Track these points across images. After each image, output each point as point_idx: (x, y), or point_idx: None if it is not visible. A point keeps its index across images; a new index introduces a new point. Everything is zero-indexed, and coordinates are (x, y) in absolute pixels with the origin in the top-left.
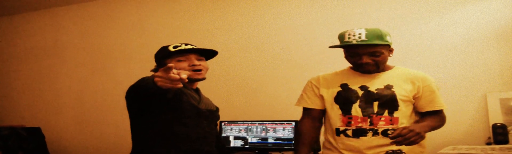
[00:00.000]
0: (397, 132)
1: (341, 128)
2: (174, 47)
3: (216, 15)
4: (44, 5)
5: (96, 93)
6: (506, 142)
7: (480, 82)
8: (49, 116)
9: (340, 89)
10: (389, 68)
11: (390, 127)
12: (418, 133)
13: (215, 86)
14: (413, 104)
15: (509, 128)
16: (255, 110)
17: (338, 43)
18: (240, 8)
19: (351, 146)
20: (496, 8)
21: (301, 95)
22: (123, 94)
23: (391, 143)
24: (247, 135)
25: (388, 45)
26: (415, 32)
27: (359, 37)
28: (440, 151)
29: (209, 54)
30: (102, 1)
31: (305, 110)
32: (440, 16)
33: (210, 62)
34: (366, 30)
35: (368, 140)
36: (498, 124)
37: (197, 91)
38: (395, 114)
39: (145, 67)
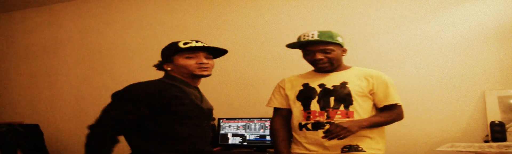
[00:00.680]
0: (327, 128)
1: (303, 123)
2: (184, 44)
3: (216, 13)
4: (43, 2)
5: (95, 90)
6: (504, 139)
7: (478, 80)
8: (48, 113)
9: (302, 88)
10: (346, 68)
11: (345, 120)
12: (344, 128)
13: (214, 84)
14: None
15: (507, 126)
16: (254, 107)
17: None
18: (240, 6)
19: (312, 138)
20: (495, 7)
21: (270, 96)
22: None
23: (322, 137)
24: (245, 132)
25: (340, 45)
26: (415, 31)
27: (312, 37)
28: (438, 149)
29: (217, 52)
30: None
31: (276, 110)
32: (438, 16)
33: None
34: (319, 31)
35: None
36: (496, 122)
37: (198, 88)
38: (351, 108)
39: (143, 64)
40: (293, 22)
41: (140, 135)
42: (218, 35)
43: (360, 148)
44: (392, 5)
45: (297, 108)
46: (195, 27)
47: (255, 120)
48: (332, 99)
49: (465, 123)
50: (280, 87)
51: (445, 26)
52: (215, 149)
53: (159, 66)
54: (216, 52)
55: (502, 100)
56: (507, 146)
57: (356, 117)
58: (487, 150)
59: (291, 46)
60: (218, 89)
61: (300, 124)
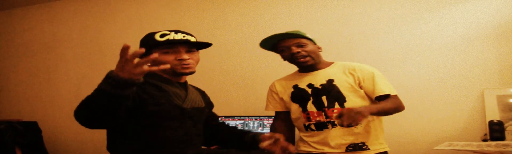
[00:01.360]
0: (340, 112)
1: (306, 124)
2: (161, 36)
3: (216, 11)
4: None
5: (94, 88)
6: (502, 138)
7: (477, 79)
8: (46, 111)
9: (293, 90)
10: (328, 64)
11: None
12: (358, 112)
13: (213, 81)
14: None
15: (505, 125)
16: (252, 105)
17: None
18: (240, 6)
19: (319, 138)
20: (494, 7)
21: (266, 101)
22: None
23: (338, 122)
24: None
25: (312, 41)
26: (414, 31)
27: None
28: (436, 148)
29: (202, 44)
30: None
31: (276, 113)
32: (437, 15)
33: (209, 57)
34: (287, 31)
35: (330, 131)
36: (495, 121)
37: (185, 85)
38: (346, 105)
39: None
40: (293, 22)
41: (116, 137)
42: (218, 33)
43: (365, 146)
44: (392, 5)
45: (296, 110)
46: (195, 26)
47: (253, 118)
48: (324, 98)
49: (464, 122)
50: (272, 92)
51: (445, 25)
52: (212, 147)
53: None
54: (200, 44)
55: (501, 99)
56: (506, 145)
57: None
58: (486, 149)
59: (264, 45)
60: (216, 87)
61: (304, 125)
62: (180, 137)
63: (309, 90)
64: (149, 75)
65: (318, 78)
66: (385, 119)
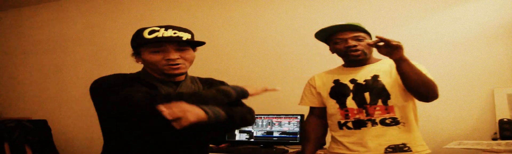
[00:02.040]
0: (380, 37)
1: (342, 121)
2: (150, 33)
3: (220, 10)
4: None
5: None
6: None
7: (487, 78)
8: (55, 109)
9: (333, 84)
10: (376, 60)
11: (387, 115)
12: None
13: (219, 79)
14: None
15: None
16: (261, 103)
17: None
18: (248, 4)
19: (355, 138)
20: (504, 5)
21: (302, 95)
22: None
23: (374, 43)
24: (252, 128)
25: (370, 36)
26: (422, 28)
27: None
28: (445, 146)
29: (194, 42)
30: None
31: (310, 108)
32: (446, 11)
33: (216, 56)
34: (346, 22)
35: (369, 130)
36: (505, 120)
37: (180, 85)
38: (389, 103)
39: None
40: (297, 18)
41: (105, 139)
42: (224, 31)
43: (406, 148)
44: (400, 3)
45: (332, 106)
46: (201, 24)
47: (262, 116)
48: (367, 94)
49: (474, 121)
50: (310, 86)
51: (454, 24)
52: (221, 145)
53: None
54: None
55: (511, 98)
56: None
57: (397, 112)
58: (495, 147)
59: (319, 35)
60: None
61: (339, 122)
62: (164, 141)
63: (351, 86)
64: (138, 74)
65: (363, 73)
66: None
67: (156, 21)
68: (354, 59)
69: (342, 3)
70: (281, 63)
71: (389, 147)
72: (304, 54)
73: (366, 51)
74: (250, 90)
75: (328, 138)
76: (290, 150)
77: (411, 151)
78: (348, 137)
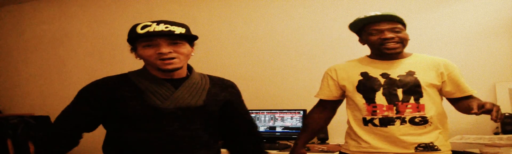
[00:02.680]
0: (481, 106)
1: (368, 118)
2: (142, 28)
3: (225, 4)
4: None
5: None
6: None
7: (489, 72)
8: (58, 105)
9: (361, 78)
10: (408, 55)
11: (417, 114)
12: (498, 106)
13: (223, 75)
14: (440, 91)
15: None
16: (264, 99)
17: (348, 31)
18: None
19: (381, 135)
20: None
21: (320, 87)
22: None
23: (492, 119)
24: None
25: (405, 27)
26: (424, 23)
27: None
28: (448, 141)
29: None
30: None
31: (320, 101)
32: (449, 6)
33: (218, 51)
34: (382, 12)
35: (397, 128)
36: (507, 114)
37: (179, 81)
38: (421, 101)
39: None
40: (302, 12)
41: (106, 138)
42: (227, 26)
43: (436, 147)
44: None
45: (358, 101)
46: (205, 18)
47: (264, 111)
48: (400, 91)
49: (476, 116)
50: (329, 77)
51: (456, 18)
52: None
53: (134, 50)
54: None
55: None
56: None
57: (427, 110)
58: (497, 142)
59: (353, 25)
60: None
61: (364, 119)
62: (159, 140)
63: (382, 80)
64: (140, 70)
65: (396, 68)
66: None
67: (158, 16)
68: (387, 53)
69: None
70: (283, 59)
71: (419, 145)
72: (306, 50)
73: (404, 43)
74: None
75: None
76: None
77: (440, 150)
78: (374, 135)
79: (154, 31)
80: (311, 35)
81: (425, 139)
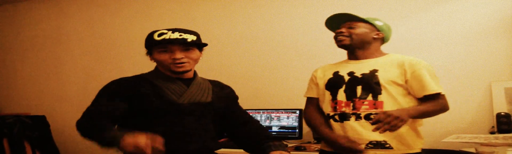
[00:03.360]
0: (376, 118)
1: (331, 114)
2: (159, 35)
3: (222, 3)
4: None
5: (101, 81)
6: (510, 131)
7: (485, 72)
8: (54, 104)
9: (332, 76)
10: (381, 55)
11: (373, 111)
12: (397, 117)
13: (220, 75)
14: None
15: None
16: (260, 98)
17: None
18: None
19: (339, 130)
20: None
21: (307, 86)
22: None
23: (373, 130)
24: None
25: (375, 27)
26: (420, 23)
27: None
28: (444, 140)
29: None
30: None
31: (308, 99)
32: (446, 5)
33: (216, 50)
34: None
35: (352, 124)
36: (502, 113)
37: (189, 81)
38: (379, 99)
39: None
40: (299, 12)
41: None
42: (224, 25)
43: (388, 145)
44: None
45: (326, 98)
46: (202, 17)
47: (261, 111)
48: (359, 88)
49: (471, 115)
50: (313, 76)
51: (451, 17)
52: (220, 140)
53: (149, 54)
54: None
55: (508, 91)
56: None
57: (385, 108)
58: (493, 141)
59: (327, 25)
60: (224, 80)
61: (328, 115)
62: (176, 133)
63: (347, 78)
64: (154, 71)
65: (362, 67)
66: None
67: (156, 16)
68: (339, 44)
69: None
70: (279, 59)
71: (370, 142)
72: (302, 50)
73: (354, 37)
74: None
75: None
76: (289, 145)
77: (392, 148)
78: (335, 130)
79: (169, 39)
80: (308, 35)
81: (379, 137)
